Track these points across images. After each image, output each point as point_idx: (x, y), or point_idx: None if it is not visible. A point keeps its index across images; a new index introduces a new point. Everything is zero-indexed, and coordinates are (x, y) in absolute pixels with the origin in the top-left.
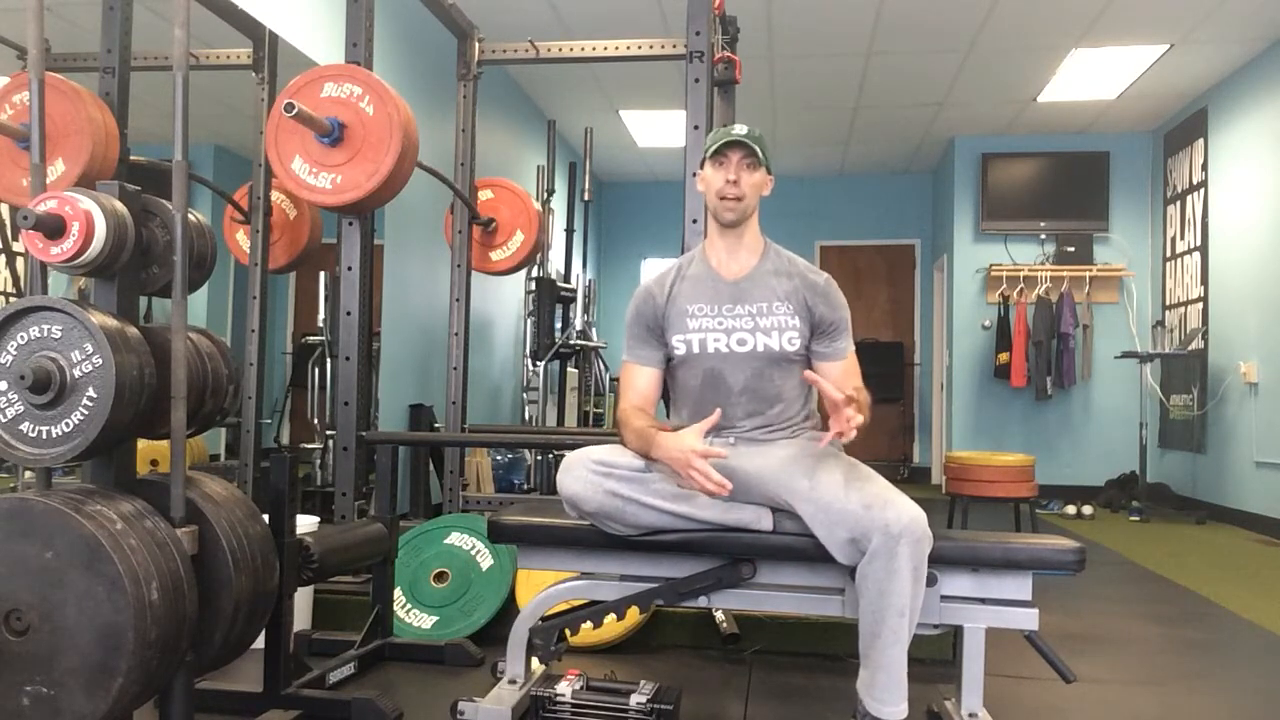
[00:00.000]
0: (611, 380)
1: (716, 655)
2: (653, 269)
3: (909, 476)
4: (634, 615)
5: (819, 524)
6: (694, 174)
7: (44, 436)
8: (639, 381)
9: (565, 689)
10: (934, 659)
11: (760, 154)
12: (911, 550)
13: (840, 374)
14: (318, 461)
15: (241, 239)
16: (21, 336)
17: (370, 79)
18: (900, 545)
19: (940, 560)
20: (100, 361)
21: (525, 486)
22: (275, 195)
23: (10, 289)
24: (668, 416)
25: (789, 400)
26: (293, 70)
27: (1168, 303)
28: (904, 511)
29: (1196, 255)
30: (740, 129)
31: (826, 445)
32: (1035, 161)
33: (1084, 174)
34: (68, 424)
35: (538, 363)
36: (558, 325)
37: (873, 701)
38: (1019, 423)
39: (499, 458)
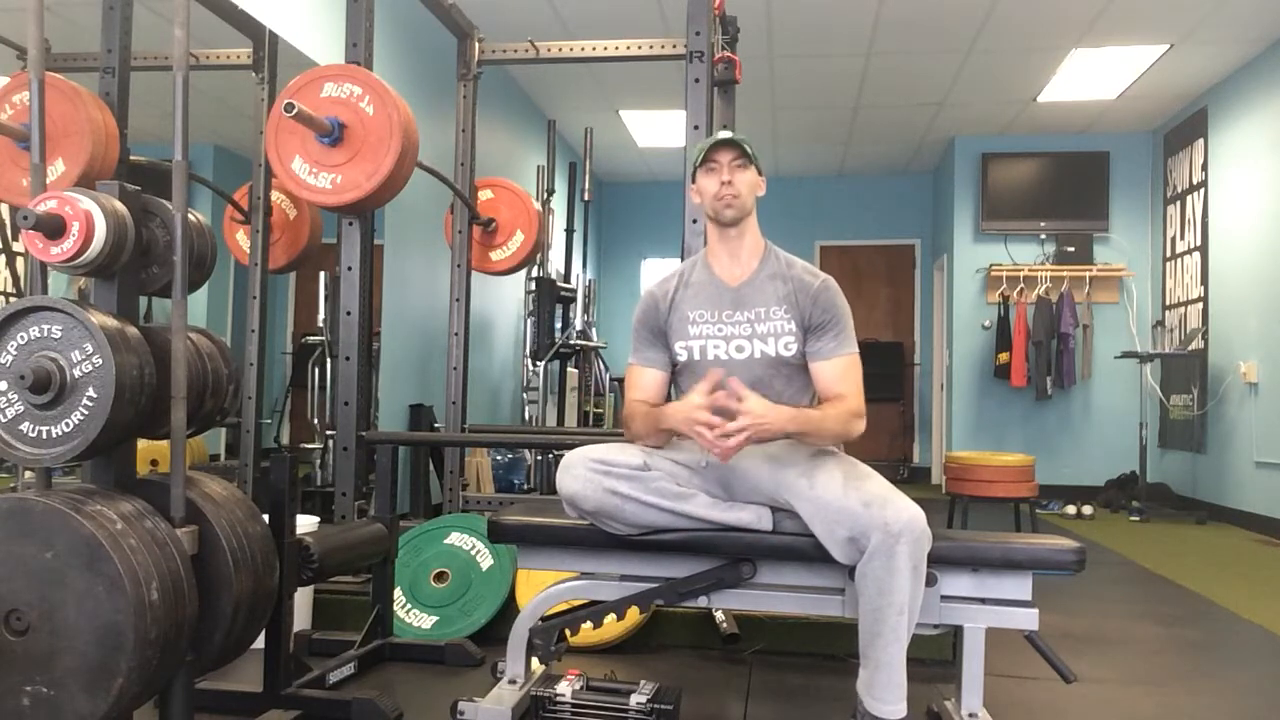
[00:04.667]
0: (611, 380)
1: (716, 655)
2: (653, 269)
3: (909, 476)
4: (634, 615)
5: (818, 523)
6: (691, 184)
7: (44, 436)
8: (644, 381)
9: (565, 689)
10: (934, 659)
11: (749, 152)
12: (911, 549)
13: (832, 373)
14: (318, 461)
15: (241, 239)
16: (21, 336)
17: (370, 79)
18: (900, 544)
19: (940, 560)
20: (100, 361)
21: (525, 486)
22: (275, 195)
23: (10, 289)
24: None
25: (790, 406)
26: (293, 70)
27: (1168, 303)
28: (903, 510)
29: (1196, 255)
30: (724, 133)
31: (792, 445)
32: (1035, 161)
33: (1084, 174)
34: (68, 424)
35: (538, 363)
36: (558, 325)
37: (872, 701)
38: (1019, 423)
39: (499, 458)
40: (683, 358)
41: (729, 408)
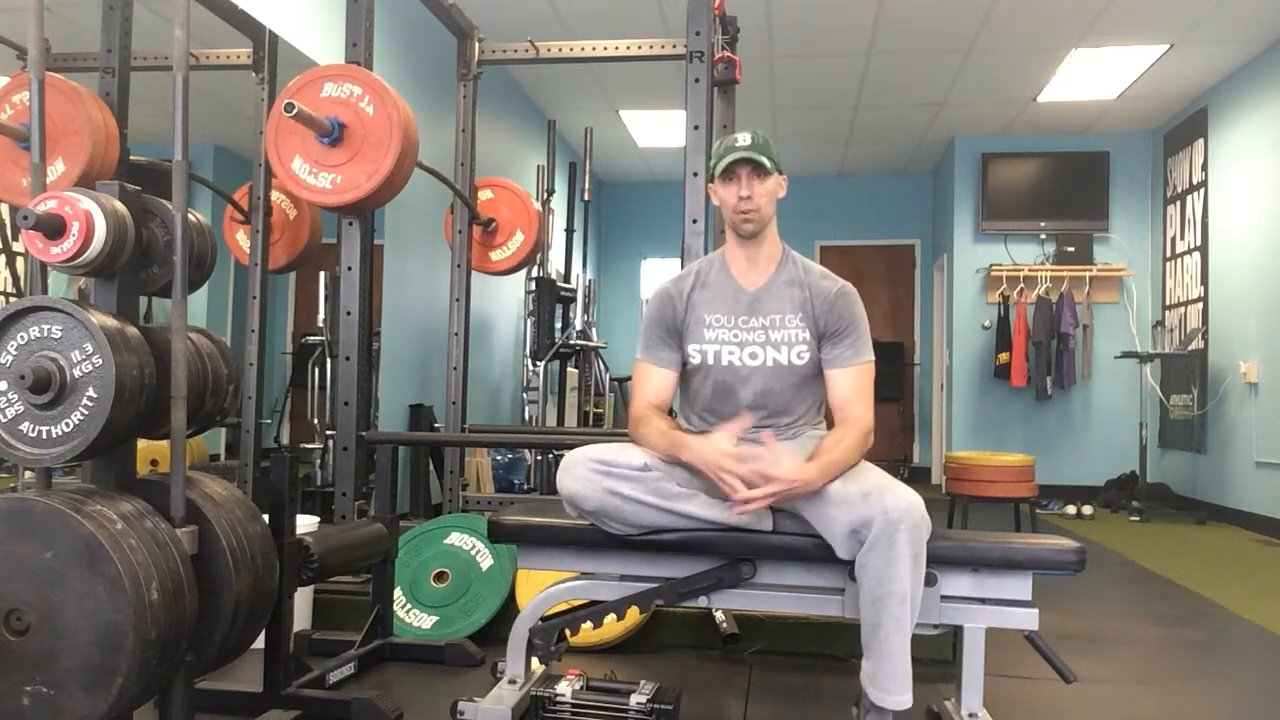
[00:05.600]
0: (612, 380)
1: (716, 655)
2: (653, 269)
3: (909, 476)
4: (634, 615)
5: (818, 517)
6: (710, 182)
7: (44, 436)
8: (654, 381)
9: (565, 689)
10: (934, 659)
11: (769, 162)
12: (911, 536)
13: (846, 384)
14: (318, 461)
15: (241, 239)
16: (21, 336)
17: (370, 79)
18: (900, 531)
19: (940, 560)
20: (100, 361)
21: (525, 486)
22: (275, 195)
23: (10, 289)
24: (672, 415)
25: (798, 413)
26: (293, 70)
27: (1168, 303)
28: (902, 497)
29: (1196, 255)
30: (744, 139)
31: (803, 439)
32: (1035, 161)
33: (1084, 174)
34: (68, 424)
35: (538, 363)
36: (558, 325)
37: (877, 692)
38: (1019, 423)
39: (499, 458)
40: (695, 360)
41: (757, 456)
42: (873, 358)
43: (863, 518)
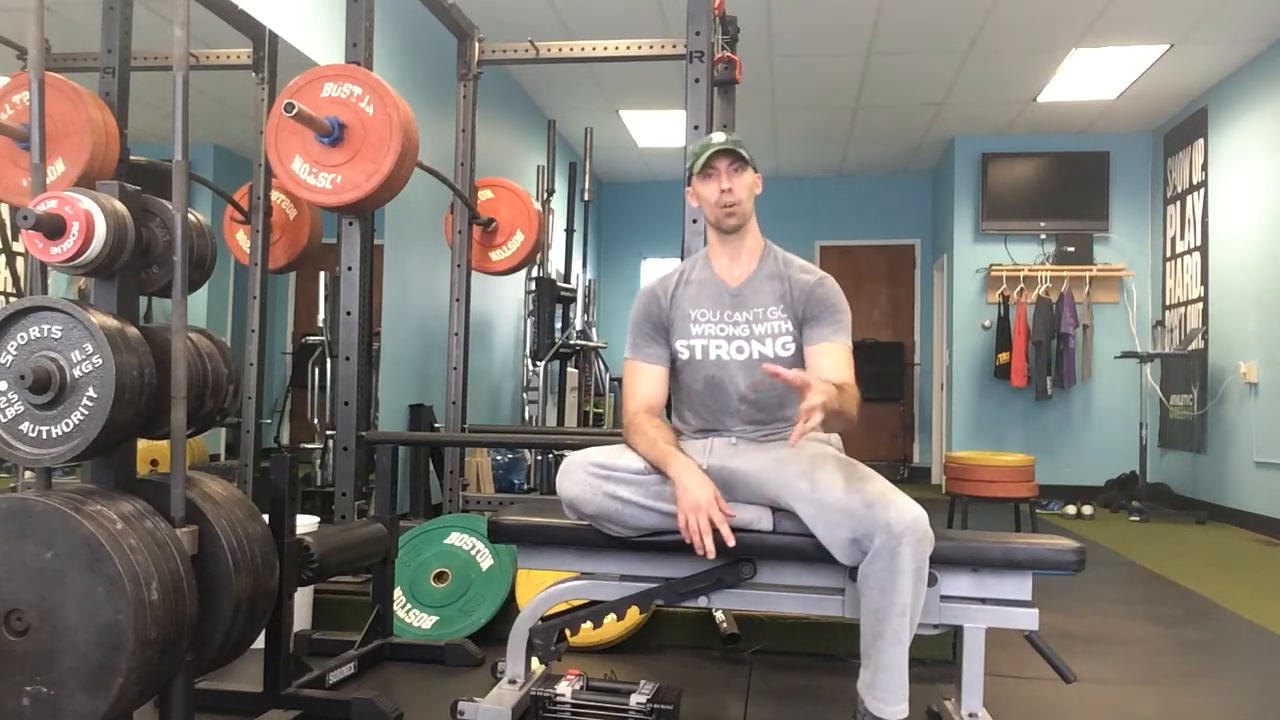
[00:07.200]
0: (612, 380)
1: (716, 655)
2: (653, 269)
3: (909, 476)
4: (634, 615)
5: (820, 525)
6: (688, 187)
7: (44, 436)
8: (646, 381)
9: (565, 689)
10: (934, 659)
11: (745, 155)
12: (914, 550)
13: (828, 359)
14: (318, 461)
15: (241, 239)
16: (21, 336)
17: (370, 79)
18: (903, 545)
19: (940, 560)
20: (100, 361)
21: (525, 486)
22: (275, 195)
23: (10, 289)
24: (669, 416)
25: (791, 406)
26: (293, 70)
27: (1168, 303)
28: (906, 511)
29: (1196, 255)
30: (718, 137)
31: (803, 441)
32: (1035, 161)
33: (1084, 174)
34: (68, 424)
35: (538, 363)
36: (558, 325)
37: (874, 701)
38: (1019, 423)
39: (499, 458)
40: (684, 356)
41: (792, 382)
42: (851, 345)
43: (865, 529)
